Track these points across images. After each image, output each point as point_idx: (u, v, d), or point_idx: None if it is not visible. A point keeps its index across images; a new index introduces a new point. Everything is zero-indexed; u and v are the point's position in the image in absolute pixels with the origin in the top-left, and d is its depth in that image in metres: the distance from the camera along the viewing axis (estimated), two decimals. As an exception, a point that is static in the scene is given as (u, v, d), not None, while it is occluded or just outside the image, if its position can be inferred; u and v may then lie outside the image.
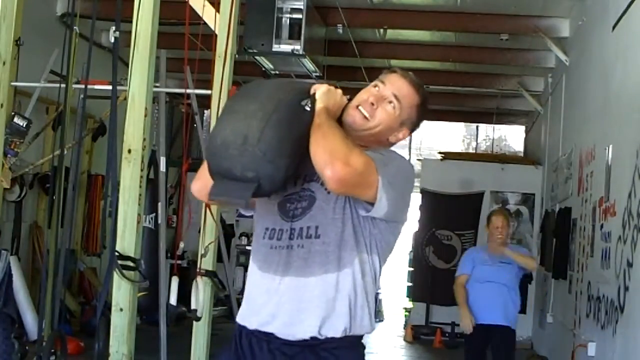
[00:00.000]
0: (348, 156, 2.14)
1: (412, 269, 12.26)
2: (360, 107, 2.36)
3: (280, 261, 2.31)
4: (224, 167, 2.21)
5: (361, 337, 2.40)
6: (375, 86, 2.39)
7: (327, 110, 2.28)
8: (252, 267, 2.41)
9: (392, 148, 2.48)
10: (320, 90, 2.31)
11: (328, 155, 2.15)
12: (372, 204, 2.23)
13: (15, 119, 5.52)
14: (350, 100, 2.40)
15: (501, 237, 5.71)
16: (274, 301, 2.30)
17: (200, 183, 2.41)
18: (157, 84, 5.22)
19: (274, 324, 2.29)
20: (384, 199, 2.22)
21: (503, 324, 5.72)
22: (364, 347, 2.44)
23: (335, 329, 2.27)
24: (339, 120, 2.35)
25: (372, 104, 2.36)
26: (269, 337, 2.31)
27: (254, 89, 2.35)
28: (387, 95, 2.37)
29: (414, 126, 2.47)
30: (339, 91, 2.36)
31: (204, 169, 2.35)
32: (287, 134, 2.20)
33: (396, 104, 2.37)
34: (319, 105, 2.28)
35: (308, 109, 2.27)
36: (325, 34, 8.77)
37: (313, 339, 2.27)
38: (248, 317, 2.37)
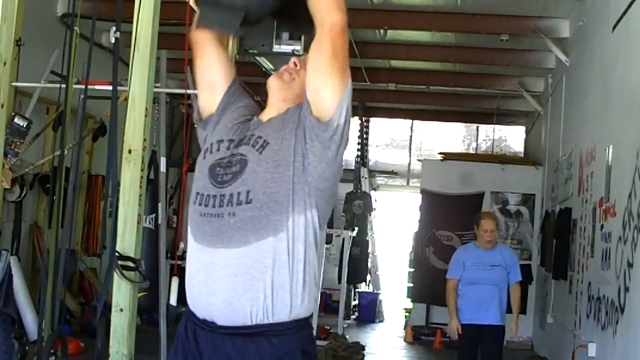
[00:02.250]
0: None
1: (412, 269, 12.25)
2: (289, 70, 2.48)
3: (213, 232, 2.19)
4: None
5: (307, 318, 2.25)
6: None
7: None
8: (189, 236, 2.30)
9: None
10: None
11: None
12: (324, 118, 2.24)
13: (16, 119, 5.52)
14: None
15: (490, 241, 5.90)
16: (211, 277, 2.18)
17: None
18: (158, 85, 5.22)
19: (214, 307, 2.18)
20: (344, 111, 2.25)
21: (496, 324, 5.89)
22: (312, 328, 2.32)
23: (278, 310, 2.15)
24: None
25: (296, 69, 2.46)
26: (211, 326, 2.20)
27: None
28: (304, 62, 2.43)
29: None
30: None
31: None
32: None
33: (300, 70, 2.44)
34: None
35: None
36: (326, 35, 8.76)
37: (256, 326, 2.14)
38: (194, 301, 2.25)
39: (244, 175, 2.21)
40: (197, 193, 2.28)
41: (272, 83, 2.45)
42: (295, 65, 2.43)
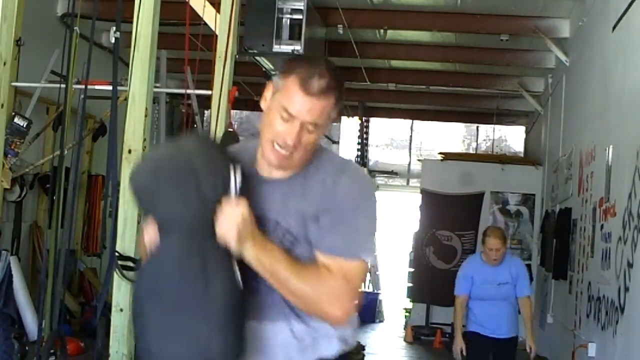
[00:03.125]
0: (343, 289, 2.02)
1: (412, 269, 12.25)
2: (277, 147, 2.04)
3: (253, 305, 2.11)
4: None
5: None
6: (283, 119, 2.03)
7: (257, 247, 1.98)
8: None
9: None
10: (231, 235, 1.95)
11: (325, 301, 2.01)
12: None
13: (16, 119, 5.53)
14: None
15: (496, 260, 5.65)
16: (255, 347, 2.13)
17: None
18: (158, 85, 5.23)
19: None
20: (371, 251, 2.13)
21: (510, 336, 5.75)
22: None
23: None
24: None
25: (295, 145, 2.03)
26: None
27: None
28: (300, 126, 2.02)
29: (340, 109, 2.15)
30: (241, 210, 1.96)
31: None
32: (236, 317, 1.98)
33: (314, 128, 2.05)
34: (248, 255, 1.97)
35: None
36: (326, 35, 8.77)
37: None
38: None
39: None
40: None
41: (280, 164, 2.08)
42: (293, 146, 2.04)
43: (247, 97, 12.63)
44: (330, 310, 2.02)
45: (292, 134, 2.01)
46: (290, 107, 2.01)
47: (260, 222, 2.02)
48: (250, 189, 2.04)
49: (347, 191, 2.06)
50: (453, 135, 14.26)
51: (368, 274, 13.35)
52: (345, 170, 2.11)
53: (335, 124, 14.55)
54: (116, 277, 3.97)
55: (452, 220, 11.30)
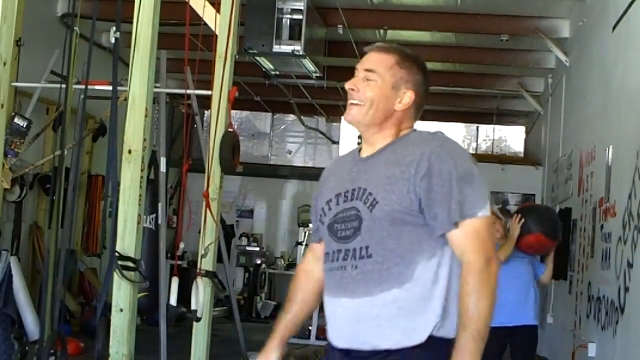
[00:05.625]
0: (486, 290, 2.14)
1: (412, 269, 12.24)
2: (349, 100, 2.34)
3: (336, 283, 2.27)
4: None
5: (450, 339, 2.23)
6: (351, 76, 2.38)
7: None
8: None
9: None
10: None
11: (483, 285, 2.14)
12: None
13: (16, 120, 5.52)
14: None
15: (500, 233, 5.41)
16: (337, 324, 2.28)
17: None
18: (158, 85, 5.22)
19: (341, 341, 2.27)
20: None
21: (527, 324, 5.41)
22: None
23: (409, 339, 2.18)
24: None
25: (353, 89, 2.33)
26: (349, 355, 2.26)
27: None
28: (360, 75, 2.35)
29: (412, 82, 2.39)
30: None
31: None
32: None
33: (372, 75, 2.33)
34: None
35: None
36: (326, 35, 8.77)
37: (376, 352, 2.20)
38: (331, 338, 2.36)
39: (362, 231, 2.23)
40: (326, 253, 2.34)
41: (348, 118, 2.35)
42: (354, 89, 2.34)
43: (247, 97, 12.66)
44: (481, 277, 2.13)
45: (352, 82, 2.34)
46: (356, 65, 2.40)
47: (355, 192, 2.25)
48: (351, 168, 2.33)
49: (437, 157, 2.19)
50: (453, 135, 14.23)
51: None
52: (430, 140, 2.26)
53: (335, 124, 14.57)
54: (116, 277, 3.97)
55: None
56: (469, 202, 2.17)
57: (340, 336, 2.27)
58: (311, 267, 2.51)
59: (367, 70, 2.34)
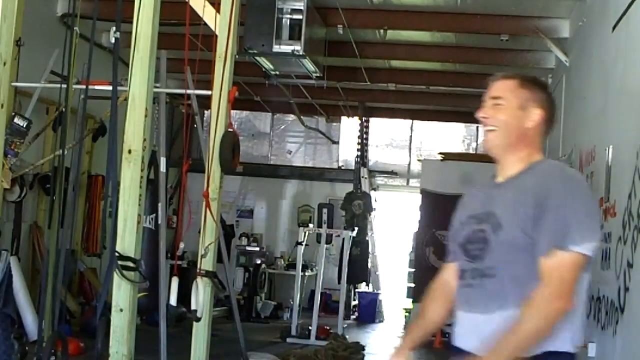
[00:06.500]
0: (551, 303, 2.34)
1: (412, 269, 12.25)
2: (485, 128, 2.59)
3: (463, 299, 2.53)
4: None
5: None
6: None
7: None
8: None
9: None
10: None
11: (542, 317, 2.33)
12: None
13: (16, 119, 5.52)
14: None
15: None
16: (462, 336, 2.53)
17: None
18: (158, 85, 5.23)
19: (465, 346, 2.50)
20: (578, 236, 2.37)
21: None
22: None
23: None
24: None
25: (486, 117, 2.56)
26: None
27: None
28: (489, 104, 2.57)
29: (537, 101, 2.55)
30: None
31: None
32: None
33: (499, 100, 2.54)
34: None
35: None
36: (326, 35, 8.77)
37: None
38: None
39: (488, 252, 2.46)
40: (459, 270, 2.61)
41: (487, 145, 2.63)
42: (486, 117, 2.56)
43: (247, 97, 12.67)
44: (546, 321, 2.33)
45: (482, 110, 2.57)
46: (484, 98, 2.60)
47: (485, 215, 2.50)
48: (486, 192, 2.63)
49: (551, 187, 2.38)
50: (453, 135, 14.26)
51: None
52: (552, 171, 2.48)
53: (335, 124, 14.58)
54: (116, 277, 3.97)
55: (452, 220, 11.29)
56: (565, 233, 2.34)
57: (463, 343, 2.51)
58: (447, 280, 2.75)
59: (494, 97, 2.55)
